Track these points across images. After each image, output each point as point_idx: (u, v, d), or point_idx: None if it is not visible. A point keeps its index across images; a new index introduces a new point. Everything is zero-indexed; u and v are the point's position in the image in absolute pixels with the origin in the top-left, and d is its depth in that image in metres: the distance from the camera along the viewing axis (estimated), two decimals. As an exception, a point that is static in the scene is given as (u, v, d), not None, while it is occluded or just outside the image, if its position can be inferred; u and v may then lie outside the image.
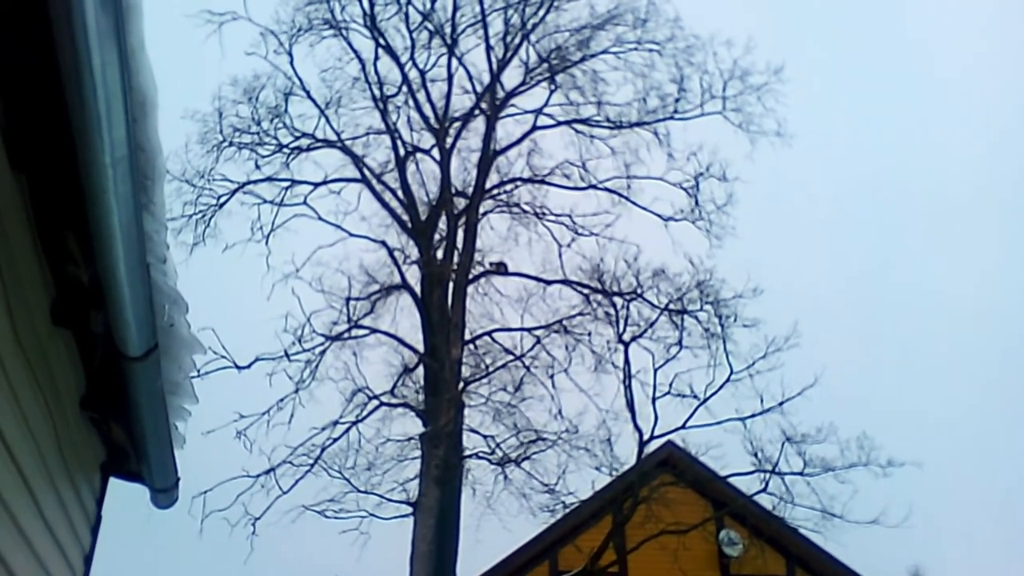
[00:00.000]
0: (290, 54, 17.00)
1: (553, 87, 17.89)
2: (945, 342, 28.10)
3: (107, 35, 2.48)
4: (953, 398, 27.07)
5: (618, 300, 16.02)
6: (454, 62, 17.81)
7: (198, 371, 4.56)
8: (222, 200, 16.86)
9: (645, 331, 15.57)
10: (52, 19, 2.44)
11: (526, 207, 17.86)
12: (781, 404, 14.61)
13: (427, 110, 17.87)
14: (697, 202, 17.20)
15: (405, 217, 17.14)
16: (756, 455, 14.50)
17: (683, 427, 14.76)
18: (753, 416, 14.75)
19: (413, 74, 17.74)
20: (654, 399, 14.68)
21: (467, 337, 16.40)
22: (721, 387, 14.82)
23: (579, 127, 17.90)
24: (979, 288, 28.15)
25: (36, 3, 2.52)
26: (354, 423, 15.66)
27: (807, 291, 21.41)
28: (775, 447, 14.41)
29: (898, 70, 29.30)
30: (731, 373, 14.84)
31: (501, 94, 17.89)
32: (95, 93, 2.58)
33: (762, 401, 14.68)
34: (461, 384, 15.69)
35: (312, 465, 15.24)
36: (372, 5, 17.47)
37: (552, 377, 16.24)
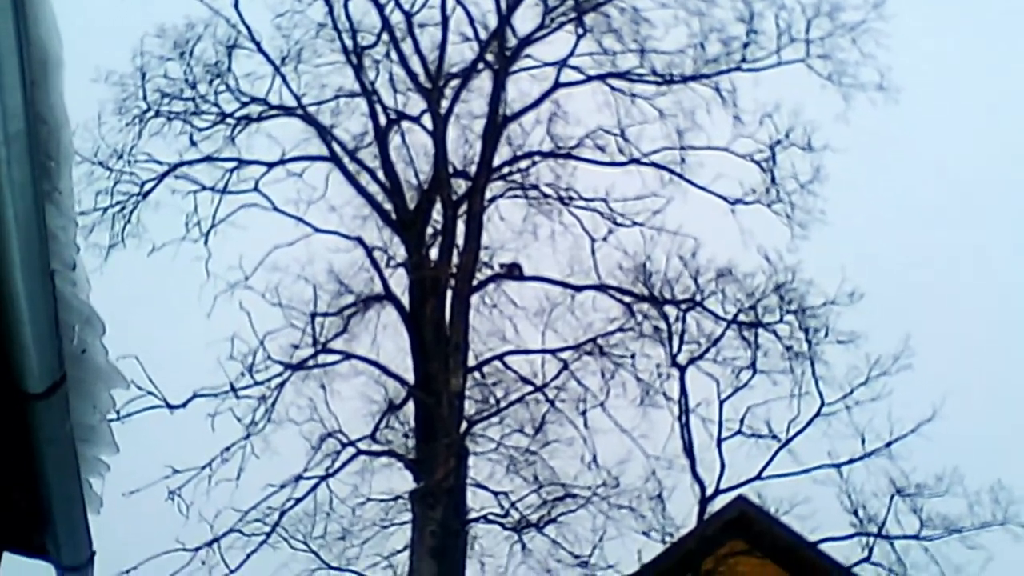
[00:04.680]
0: (235, -7, 16.74)
1: (581, 31, 17.44)
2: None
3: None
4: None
5: (671, 310, 15.93)
6: (450, 1, 17.50)
7: (118, 412, 4.52)
8: (147, 188, 16.76)
9: (707, 350, 15.55)
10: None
11: (548, 190, 17.56)
12: (889, 445, 14.56)
13: (415, 64, 17.55)
14: (774, 179, 16.96)
15: (388, 206, 16.94)
16: (856, 513, 14.47)
17: (759, 477, 14.74)
18: (852, 461, 14.69)
19: (396, 17, 17.46)
20: (720, 440, 14.75)
21: (471, 363, 16.33)
22: (809, 423, 14.75)
23: (616, 83, 17.47)
24: None
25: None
26: (323, 478, 15.49)
27: (923, 293, 20.80)
28: (881, 502, 14.41)
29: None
30: (822, 404, 14.81)
31: (512, 42, 17.52)
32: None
33: (864, 442, 14.64)
34: (464, 425, 15.60)
35: (269, 534, 15.09)
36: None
37: (584, 414, 16.09)
